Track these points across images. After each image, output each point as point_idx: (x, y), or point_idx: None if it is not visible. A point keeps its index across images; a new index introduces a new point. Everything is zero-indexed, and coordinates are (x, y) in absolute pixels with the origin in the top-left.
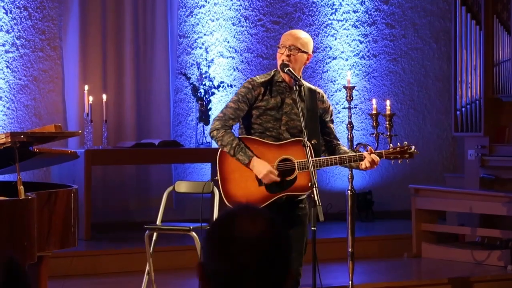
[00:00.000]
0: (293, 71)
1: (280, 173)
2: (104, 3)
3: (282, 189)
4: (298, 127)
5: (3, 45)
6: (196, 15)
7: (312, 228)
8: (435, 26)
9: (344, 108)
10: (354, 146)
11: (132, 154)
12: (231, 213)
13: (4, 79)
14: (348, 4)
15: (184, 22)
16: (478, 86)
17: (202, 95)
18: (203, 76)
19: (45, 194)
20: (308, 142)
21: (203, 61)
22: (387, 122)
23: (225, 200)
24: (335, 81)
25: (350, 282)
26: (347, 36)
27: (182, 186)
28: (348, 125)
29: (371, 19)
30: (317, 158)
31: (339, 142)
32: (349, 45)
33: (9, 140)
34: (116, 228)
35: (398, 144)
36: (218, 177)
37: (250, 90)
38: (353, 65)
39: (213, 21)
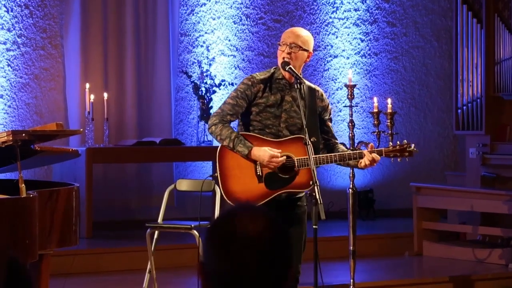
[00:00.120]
0: (294, 69)
1: (280, 170)
2: (105, 1)
3: (282, 186)
4: (298, 124)
5: (4, 43)
6: (197, 13)
7: (314, 226)
8: (437, 24)
9: (345, 106)
10: (356, 144)
11: (133, 152)
12: (231, 212)
13: (5, 77)
14: (349, 3)
15: (186, 20)
16: (479, 84)
17: (203, 94)
18: (204, 74)
19: (47, 192)
20: (312, 139)
21: (204, 59)
22: (388, 121)
23: (225, 197)
24: (336, 79)
25: (351, 280)
26: (348, 35)
27: (183, 184)
28: (349, 124)
29: (372, 18)
30: (317, 156)
31: (337, 141)
32: (350, 43)
33: (11, 138)
34: (118, 226)
35: (398, 142)
36: (218, 174)
37: (250, 86)
38: (354, 64)
39: (214, 19)
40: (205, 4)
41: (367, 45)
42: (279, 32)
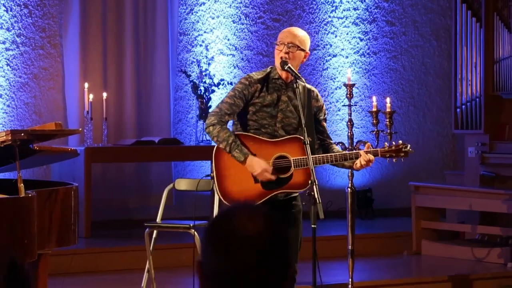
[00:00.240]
0: (293, 69)
1: (276, 170)
2: (105, 1)
3: (278, 187)
4: (293, 124)
5: (4, 42)
6: (197, 12)
7: (312, 226)
8: (436, 23)
9: (344, 105)
10: (354, 144)
11: (132, 152)
12: (229, 212)
13: (4, 76)
14: (348, 2)
15: (185, 19)
16: (478, 83)
17: (202, 93)
18: (203, 73)
19: (45, 192)
20: (308, 140)
21: (203, 58)
22: (387, 120)
23: (221, 197)
24: (335, 78)
25: (350, 280)
26: (347, 34)
27: (182, 184)
28: (348, 123)
29: (371, 17)
30: (314, 156)
31: (331, 142)
32: (349, 42)
33: (10, 138)
34: (116, 226)
35: (393, 142)
36: (214, 174)
37: (247, 86)
38: (353, 63)
39: (213, 18)
40: (204, 3)
41: (366, 44)
42: (278, 32)
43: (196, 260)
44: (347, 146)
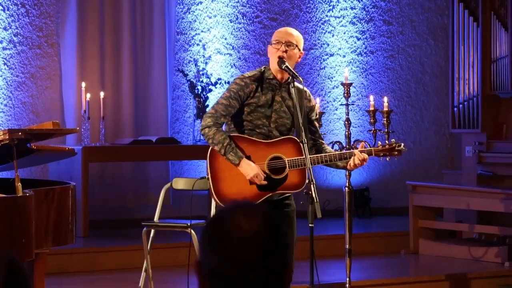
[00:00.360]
0: (291, 68)
1: (271, 171)
2: (102, 0)
3: (273, 187)
4: (287, 125)
5: (1, 42)
6: (194, 11)
7: (310, 225)
8: (433, 22)
9: (341, 105)
10: (352, 143)
11: (130, 151)
12: (227, 211)
13: (1, 76)
14: (345, 1)
15: (182, 19)
16: (475, 82)
17: (199, 92)
18: (201, 73)
19: (43, 191)
20: (305, 139)
21: (200, 58)
22: (385, 119)
23: (216, 198)
24: (332, 77)
25: (347, 279)
26: (344, 33)
27: (179, 183)
28: (346, 122)
29: (368, 16)
30: (310, 156)
31: (323, 142)
32: (347, 41)
33: (7, 137)
34: (114, 225)
35: (386, 141)
36: (209, 176)
37: (243, 87)
38: (351, 62)
39: (210, 18)
40: (201, 3)
41: (363, 44)
42: (275, 31)
43: (195, 260)
44: (344, 145)
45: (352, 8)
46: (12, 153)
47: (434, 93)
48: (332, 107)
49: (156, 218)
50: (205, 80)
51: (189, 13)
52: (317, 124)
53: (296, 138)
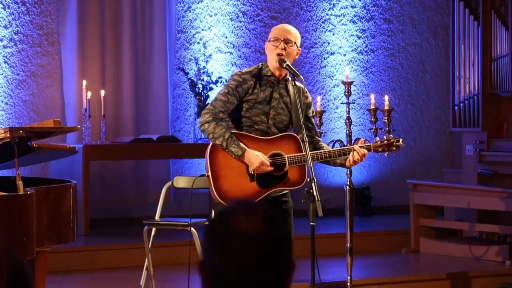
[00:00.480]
0: (291, 66)
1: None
2: None
3: (273, 185)
4: (284, 121)
5: (1, 40)
6: (194, 10)
7: (311, 223)
8: (433, 21)
9: (342, 103)
10: (353, 142)
11: (130, 149)
12: (229, 210)
13: (2, 74)
14: (346, 0)
15: (182, 17)
16: (476, 81)
17: (200, 90)
18: (201, 71)
19: (44, 189)
20: (306, 137)
21: (201, 56)
22: (385, 117)
23: (217, 196)
24: (333, 76)
25: (348, 277)
26: (345, 31)
27: (180, 182)
28: (347, 120)
29: (369, 14)
30: (310, 153)
31: (319, 139)
32: (347, 40)
33: (8, 135)
34: (115, 224)
35: (384, 137)
36: (209, 173)
37: (241, 83)
38: (351, 60)
39: (211, 16)
40: (202, 1)
41: (364, 42)
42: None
43: (198, 259)
44: (345, 144)
45: (352, 7)
46: (13, 151)
47: (434, 91)
48: (332, 105)
49: (157, 217)
50: (205, 78)
51: (190, 11)
52: (313, 121)
53: (295, 134)
